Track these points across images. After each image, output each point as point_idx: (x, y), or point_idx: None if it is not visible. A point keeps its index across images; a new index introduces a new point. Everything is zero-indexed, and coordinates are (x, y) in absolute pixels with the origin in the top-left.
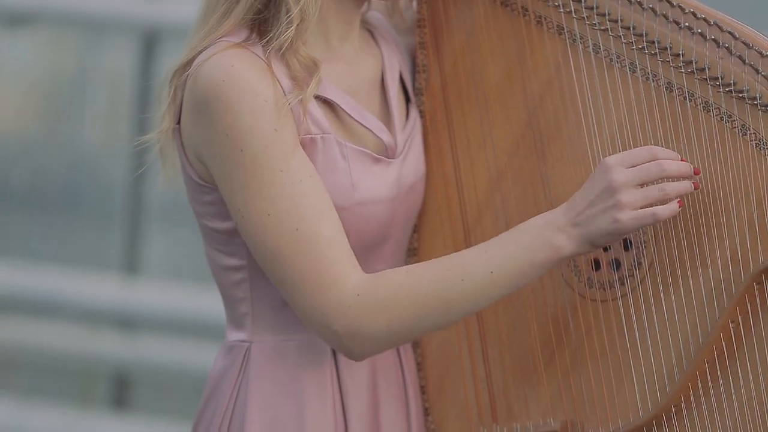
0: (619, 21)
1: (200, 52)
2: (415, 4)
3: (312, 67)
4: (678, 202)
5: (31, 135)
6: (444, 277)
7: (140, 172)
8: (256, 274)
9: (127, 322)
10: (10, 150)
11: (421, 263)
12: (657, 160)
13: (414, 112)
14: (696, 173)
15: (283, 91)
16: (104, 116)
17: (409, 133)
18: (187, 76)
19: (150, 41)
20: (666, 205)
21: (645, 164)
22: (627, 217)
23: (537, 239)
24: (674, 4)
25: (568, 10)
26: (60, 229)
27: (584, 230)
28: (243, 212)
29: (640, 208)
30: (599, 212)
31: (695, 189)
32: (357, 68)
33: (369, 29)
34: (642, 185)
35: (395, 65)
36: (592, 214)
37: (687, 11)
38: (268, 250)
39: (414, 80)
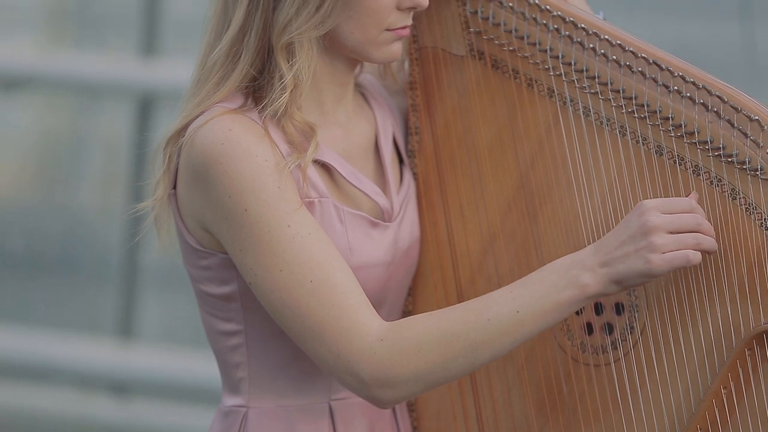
0: (609, 84)
1: (195, 117)
2: (407, 65)
3: (309, 132)
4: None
5: (27, 199)
6: (469, 318)
7: (136, 239)
8: (252, 339)
9: (121, 387)
10: (6, 214)
11: (446, 308)
12: (695, 213)
13: (408, 175)
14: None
15: (282, 155)
16: (100, 180)
17: (404, 196)
18: (183, 142)
19: (146, 105)
20: (696, 253)
21: (682, 213)
22: (658, 259)
23: (563, 278)
24: (663, 67)
25: (558, 73)
26: (55, 293)
27: (613, 270)
28: (255, 271)
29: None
30: (630, 252)
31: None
32: (351, 131)
33: (362, 92)
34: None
35: (389, 127)
36: (623, 253)
37: (676, 75)
38: (285, 306)
39: (407, 142)
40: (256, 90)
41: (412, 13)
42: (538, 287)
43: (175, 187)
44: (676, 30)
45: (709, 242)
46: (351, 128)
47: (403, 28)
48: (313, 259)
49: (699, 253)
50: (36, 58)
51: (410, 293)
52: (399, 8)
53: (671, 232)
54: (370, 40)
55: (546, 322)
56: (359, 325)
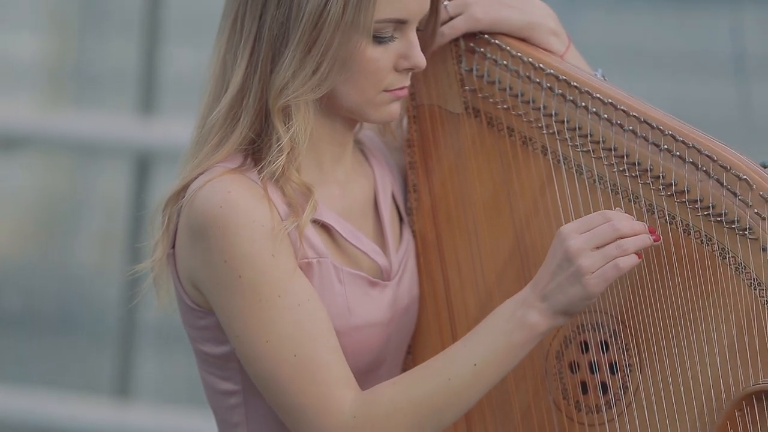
0: (601, 142)
1: (194, 178)
2: (405, 123)
3: (307, 193)
4: (637, 254)
5: (24, 257)
6: (431, 381)
7: (135, 302)
8: (251, 399)
9: None
10: (3, 272)
11: (408, 371)
12: (610, 221)
13: (407, 233)
14: (651, 231)
15: (280, 217)
16: (97, 239)
17: (403, 255)
18: (182, 203)
19: (144, 164)
20: (627, 257)
21: (599, 227)
22: (592, 279)
23: (510, 321)
24: (654, 125)
25: (551, 131)
26: (52, 351)
27: (554, 302)
28: (241, 338)
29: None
30: (563, 281)
31: (655, 241)
32: (350, 190)
33: (361, 149)
34: (599, 247)
35: (387, 185)
36: (557, 284)
37: (666, 133)
38: (266, 376)
39: (406, 200)
40: (255, 150)
41: (410, 74)
42: (489, 336)
43: (174, 247)
44: (672, 87)
45: (633, 243)
46: (350, 187)
47: (401, 88)
48: (301, 333)
49: (629, 257)
50: (34, 118)
51: (410, 351)
52: (396, 69)
53: (595, 248)
54: (368, 101)
55: (504, 367)
56: (335, 404)
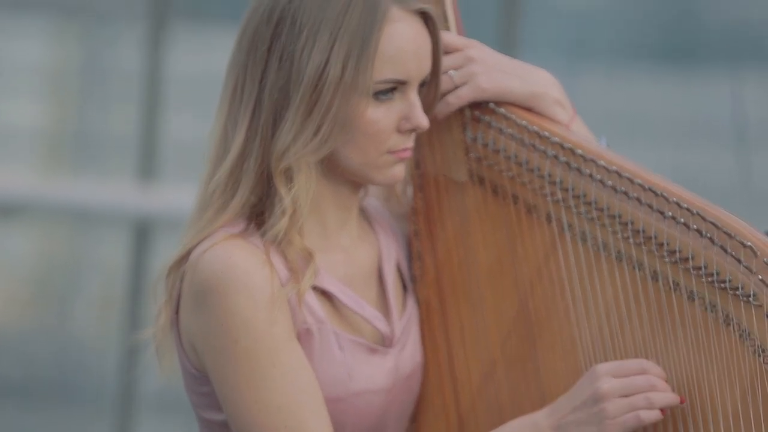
0: (606, 210)
1: (197, 244)
2: (410, 190)
3: (308, 258)
4: (661, 411)
5: (23, 325)
6: None
7: (136, 370)
8: None
9: None
10: (2, 340)
11: None
12: (646, 374)
13: (411, 301)
14: (682, 402)
15: (281, 282)
16: (96, 306)
17: (406, 322)
18: (185, 268)
19: (143, 231)
20: (651, 411)
21: (634, 376)
22: (611, 425)
23: None
24: (658, 193)
25: (556, 198)
26: (51, 420)
27: None
28: (233, 404)
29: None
30: (583, 419)
31: (681, 403)
32: (354, 256)
33: (367, 216)
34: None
35: (392, 253)
36: (575, 419)
37: (671, 201)
38: None
39: (410, 268)
40: (258, 214)
41: (413, 135)
42: None
43: (177, 313)
44: (672, 154)
45: (662, 399)
46: (354, 253)
47: (404, 150)
48: (293, 403)
49: (653, 411)
50: (33, 184)
51: (412, 419)
52: (399, 131)
53: (623, 395)
54: (371, 163)
55: None
56: None
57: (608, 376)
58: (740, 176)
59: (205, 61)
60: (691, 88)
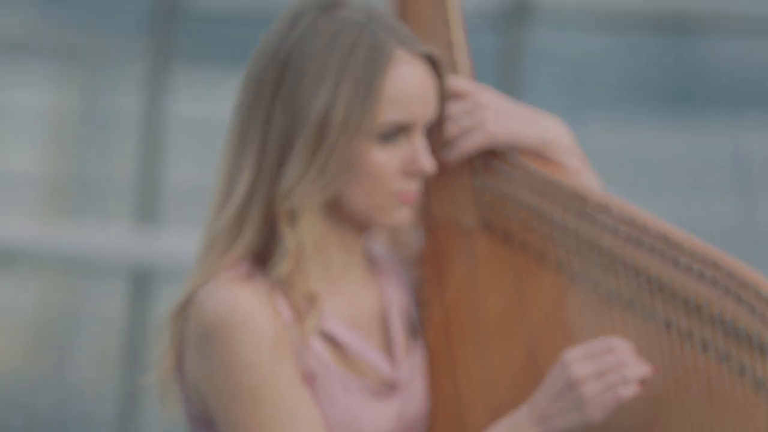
0: (618, 258)
1: (201, 286)
2: (417, 235)
3: (312, 300)
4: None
5: (22, 374)
6: None
7: (134, 413)
8: None
9: None
10: (1, 389)
11: None
12: (615, 352)
13: (418, 345)
14: (655, 372)
15: (285, 325)
16: (95, 355)
17: (412, 367)
18: (189, 311)
19: (142, 280)
20: (628, 386)
21: (603, 356)
22: (592, 408)
23: None
24: (672, 242)
25: (567, 246)
26: None
27: (551, 427)
28: None
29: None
30: (563, 408)
31: (655, 373)
32: (359, 300)
33: (373, 261)
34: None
35: (399, 298)
36: (557, 410)
37: (685, 249)
38: None
39: (417, 313)
40: (263, 255)
41: (419, 179)
42: None
43: (181, 357)
44: (675, 204)
45: (635, 372)
46: (359, 295)
47: (410, 193)
48: None
49: (630, 385)
50: (32, 232)
51: None
52: (404, 174)
53: (597, 376)
54: (376, 206)
55: None
56: None
57: (579, 361)
58: (742, 219)
59: (205, 104)
60: (693, 131)
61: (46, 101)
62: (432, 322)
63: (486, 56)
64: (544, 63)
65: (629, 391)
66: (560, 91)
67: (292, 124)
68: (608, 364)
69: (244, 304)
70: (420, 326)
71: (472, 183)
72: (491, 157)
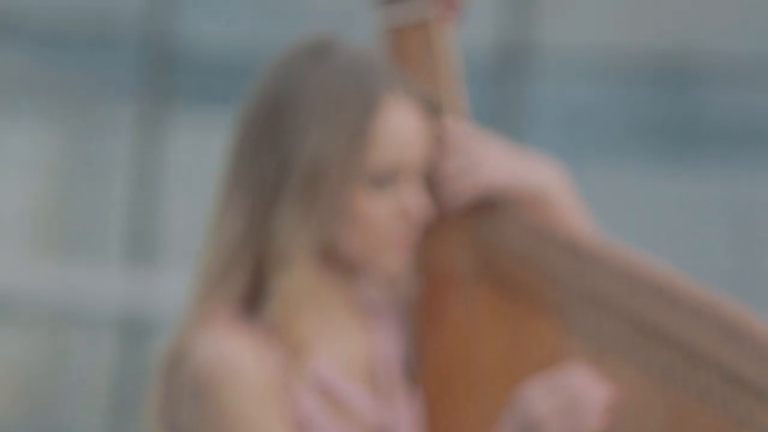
0: (617, 308)
1: (192, 334)
2: (414, 283)
3: (304, 346)
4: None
5: (7, 428)
6: None
7: None
8: None
9: None
10: None
11: None
12: (575, 384)
13: (413, 393)
14: (615, 393)
15: (276, 372)
16: (82, 405)
17: (407, 414)
18: (180, 361)
19: (129, 331)
20: (590, 423)
21: (564, 390)
22: None
23: None
24: (672, 289)
25: (565, 296)
26: None
27: None
28: None
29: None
30: None
31: (614, 400)
32: (353, 345)
33: (368, 308)
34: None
35: (395, 344)
36: None
37: (685, 297)
38: None
39: (412, 361)
40: (254, 301)
41: (414, 226)
42: None
43: (172, 407)
44: (672, 246)
45: (596, 407)
46: (353, 342)
47: (404, 239)
48: None
49: (592, 423)
50: (21, 278)
51: None
52: (398, 220)
53: (561, 412)
54: (370, 252)
55: None
56: None
57: (538, 398)
58: (738, 262)
59: (199, 148)
60: (690, 176)
61: (36, 145)
62: (429, 368)
63: (484, 106)
64: (543, 111)
65: (595, 424)
66: (559, 136)
67: (282, 171)
68: (570, 399)
69: (234, 353)
70: (417, 372)
71: (470, 231)
72: (487, 205)
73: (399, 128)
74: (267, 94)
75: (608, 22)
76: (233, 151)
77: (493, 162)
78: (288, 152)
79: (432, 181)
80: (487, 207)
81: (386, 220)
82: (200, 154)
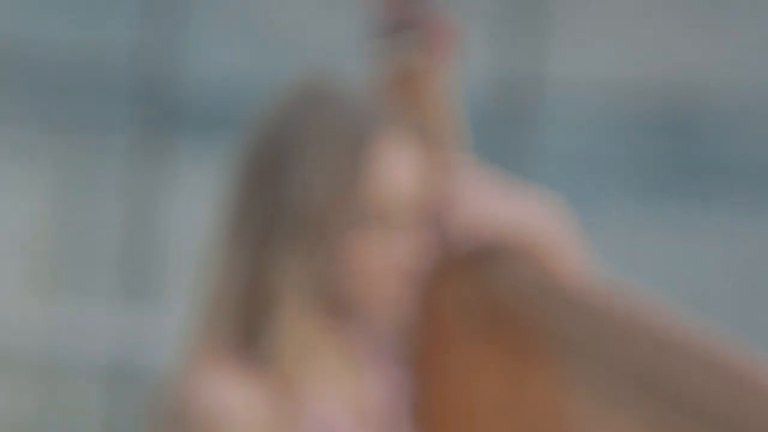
0: (619, 359)
1: (183, 374)
2: (410, 328)
3: (299, 388)
4: None
5: None
6: None
7: None
8: None
9: None
10: None
11: None
12: None
13: None
14: None
15: (270, 412)
16: None
17: None
18: (170, 402)
19: (115, 384)
20: None
21: None
22: None
23: None
24: (675, 338)
25: (565, 347)
26: None
27: None
28: None
29: None
30: None
31: None
32: (350, 387)
33: (365, 349)
34: None
35: (390, 388)
36: None
37: (690, 346)
38: None
39: (412, 406)
40: (249, 338)
41: (406, 273)
42: None
43: None
44: (671, 283)
45: None
46: (350, 383)
47: (398, 287)
48: None
49: None
50: (7, 328)
51: None
52: (391, 273)
53: None
54: (362, 297)
55: None
56: None
57: None
58: (742, 313)
59: (196, 186)
60: (693, 225)
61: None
62: (427, 418)
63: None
64: (546, 160)
65: None
66: (566, 182)
67: (275, 211)
68: None
69: (225, 397)
70: (416, 420)
71: (468, 280)
72: (486, 253)
73: (391, 174)
74: (262, 139)
75: (612, 56)
76: (227, 196)
77: (490, 209)
78: (282, 194)
79: (429, 229)
80: (486, 255)
81: (379, 271)
82: (198, 191)
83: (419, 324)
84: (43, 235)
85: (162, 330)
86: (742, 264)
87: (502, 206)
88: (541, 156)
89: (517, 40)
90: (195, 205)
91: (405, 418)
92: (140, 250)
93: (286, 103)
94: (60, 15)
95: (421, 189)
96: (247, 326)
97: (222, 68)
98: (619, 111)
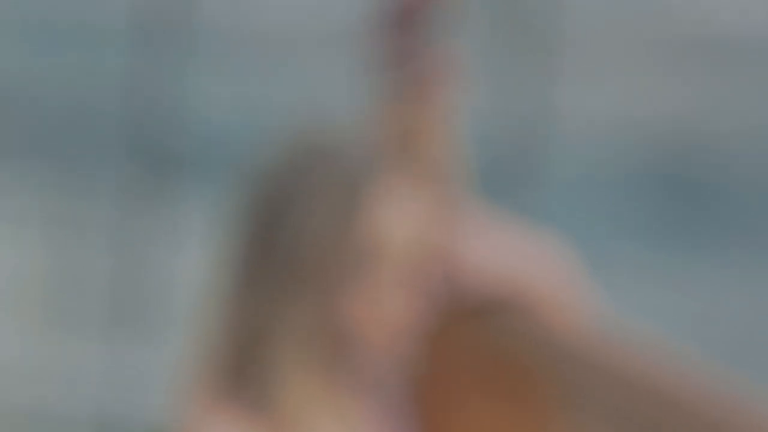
0: (619, 412)
1: (180, 413)
2: (408, 364)
3: (295, 424)
4: None
5: None
6: None
7: None
8: None
9: None
10: None
11: None
12: None
13: None
14: None
15: None
16: None
17: None
18: None
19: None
20: None
21: None
22: None
23: None
24: (675, 395)
25: (564, 398)
26: None
27: None
28: None
29: None
30: None
31: None
32: (345, 427)
33: (360, 389)
34: None
35: (388, 428)
36: None
37: (688, 406)
38: None
39: None
40: (247, 384)
41: (399, 335)
42: None
43: None
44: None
45: None
46: (346, 425)
47: (387, 346)
48: None
49: None
50: None
51: None
52: (383, 326)
53: None
54: (362, 343)
55: None
56: None
57: None
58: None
59: (190, 220)
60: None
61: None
62: None
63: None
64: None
65: None
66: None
67: (270, 253)
68: None
69: None
70: None
71: (469, 332)
72: (487, 306)
73: (387, 223)
74: (259, 186)
75: (618, 98)
76: (227, 237)
77: (491, 257)
78: (279, 241)
79: (427, 278)
80: (486, 306)
81: (376, 320)
82: (194, 233)
83: (418, 374)
84: (32, 279)
85: (154, 374)
86: (749, 310)
87: (504, 253)
88: (547, 195)
89: (523, 79)
90: (190, 246)
91: None
92: (132, 294)
93: (283, 149)
94: (54, 53)
95: (420, 237)
96: (245, 372)
97: (220, 109)
98: (627, 153)
